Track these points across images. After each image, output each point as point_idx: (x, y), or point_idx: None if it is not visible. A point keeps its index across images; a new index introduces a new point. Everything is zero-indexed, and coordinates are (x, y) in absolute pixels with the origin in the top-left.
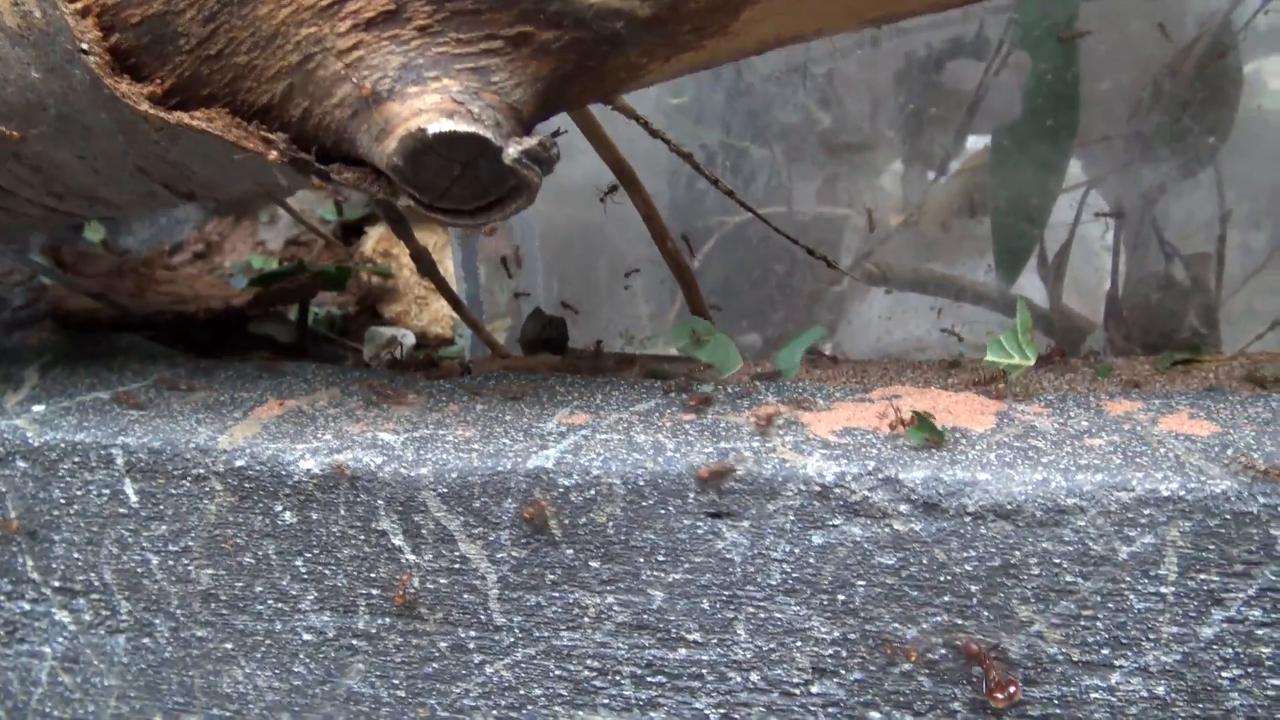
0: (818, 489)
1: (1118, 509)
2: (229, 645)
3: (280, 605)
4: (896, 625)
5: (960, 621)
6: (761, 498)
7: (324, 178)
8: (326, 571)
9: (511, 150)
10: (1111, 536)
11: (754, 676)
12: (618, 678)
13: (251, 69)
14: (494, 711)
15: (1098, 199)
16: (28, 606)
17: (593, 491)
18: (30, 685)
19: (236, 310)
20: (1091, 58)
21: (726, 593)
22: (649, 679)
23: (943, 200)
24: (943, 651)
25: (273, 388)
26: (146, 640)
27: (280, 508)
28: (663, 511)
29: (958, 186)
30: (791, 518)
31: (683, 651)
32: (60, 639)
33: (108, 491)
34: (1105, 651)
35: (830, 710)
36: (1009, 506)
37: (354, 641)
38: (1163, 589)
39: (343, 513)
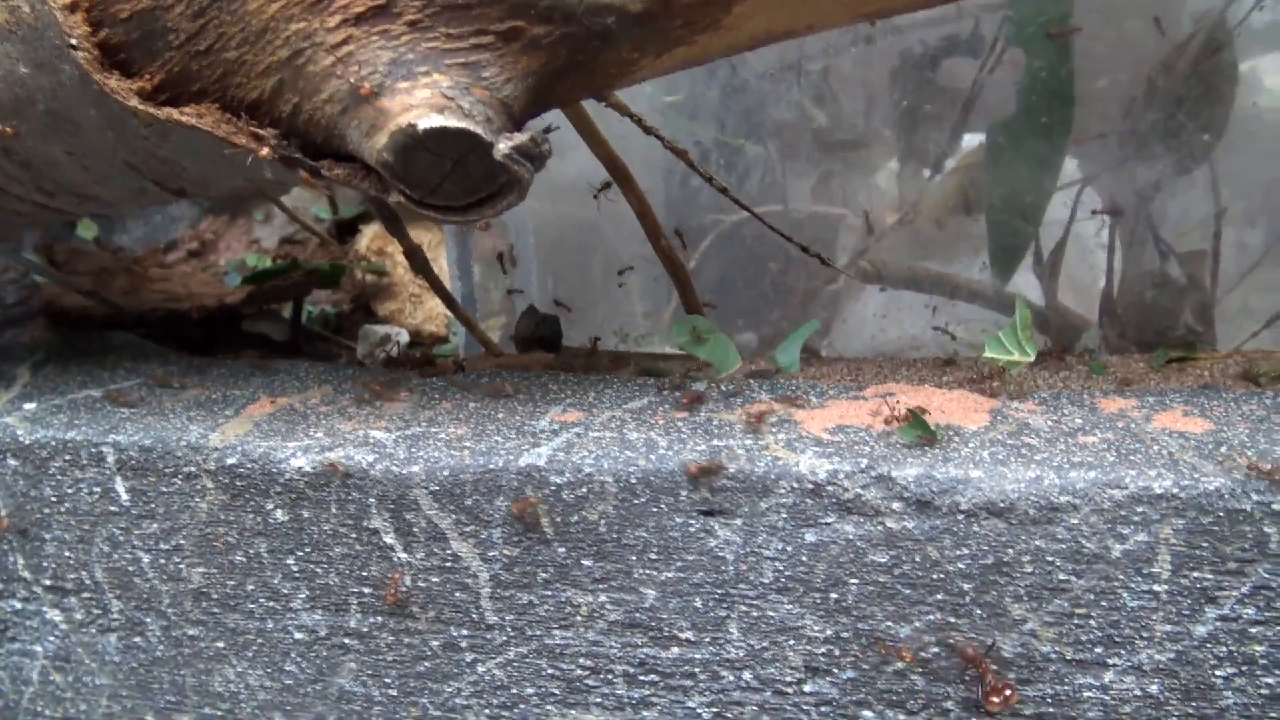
0: (810, 487)
1: (1111, 507)
2: (221, 644)
3: (272, 604)
4: (889, 624)
5: (953, 620)
6: (754, 495)
7: (314, 174)
8: (318, 570)
9: (502, 146)
10: (1105, 534)
11: (747, 675)
12: (610, 676)
13: (241, 64)
14: (486, 710)
15: (1094, 197)
16: (19, 605)
17: (585, 489)
18: (21, 684)
19: (230, 308)
20: (1087, 55)
21: (719, 591)
22: (641, 678)
23: (938, 198)
24: (936, 650)
25: (265, 385)
26: (138, 639)
27: (272, 506)
28: (655, 509)
29: (953, 184)
30: (784, 515)
31: (675, 650)
32: (52, 638)
33: (99, 489)
34: (1099, 650)
35: (823, 709)
36: (1002, 504)
37: (346, 640)
38: (1156, 587)
39: (334, 511)
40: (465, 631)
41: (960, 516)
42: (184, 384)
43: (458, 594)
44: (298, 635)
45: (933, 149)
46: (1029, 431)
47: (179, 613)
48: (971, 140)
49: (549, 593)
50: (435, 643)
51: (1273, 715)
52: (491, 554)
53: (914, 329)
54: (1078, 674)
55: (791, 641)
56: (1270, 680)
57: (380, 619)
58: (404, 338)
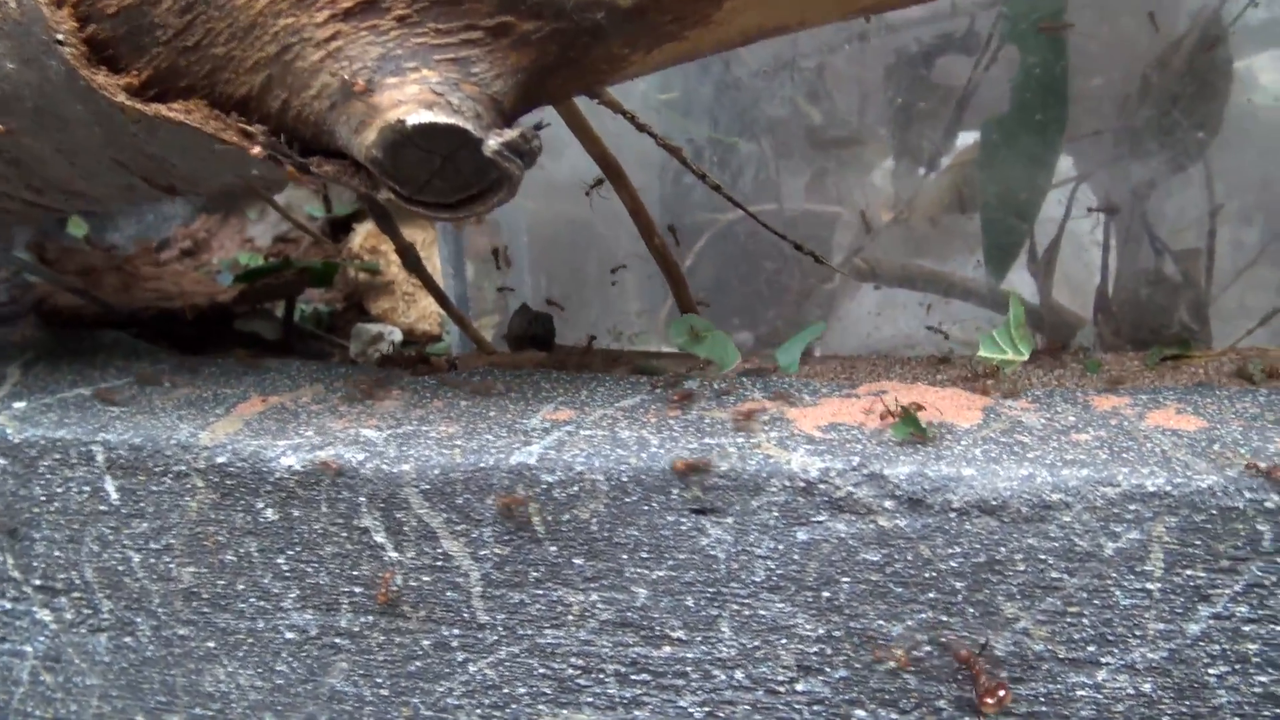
0: (802, 485)
1: (1103, 505)
2: (211, 644)
3: (262, 603)
4: (881, 622)
5: (945, 619)
6: (746, 494)
7: (303, 170)
8: (309, 569)
9: (492, 142)
10: (1097, 532)
11: (739, 674)
12: (602, 676)
13: (229, 60)
14: (478, 710)
15: (1089, 194)
16: (9, 605)
17: (576, 488)
18: (11, 685)
19: (222, 307)
20: (1081, 52)
21: (711, 590)
22: (633, 677)
23: (933, 196)
24: (928, 649)
25: (256, 384)
26: (128, 639)
27: (262, 505)
28: (646, 508)
29: (947, 182)
30: (776, 514)
31: (667, 649)
32: (42, 638)
33: (88, 489)
34: (1091, 648)
35: (815, 708)
36: (994, 502)
37: (337, 640)
38: (1149, 585)
39: (324, 510)
40: (456, 631)
41: (952, 514)
42: (175, 382)
43: (449, 593)
44: (288, 635)
45: (927, 146)
46: (1022, 429)
47: (169, 612)
48: (967, 138)
49: (540, 592)
50: (426, 642)
51: (1266, 714)
52: (482, 553)
53: (908, 327)
54: (1070, 673)
55: (784, 640)
56: (1263, 679)
57: (371, 618)
58: (397, 336)
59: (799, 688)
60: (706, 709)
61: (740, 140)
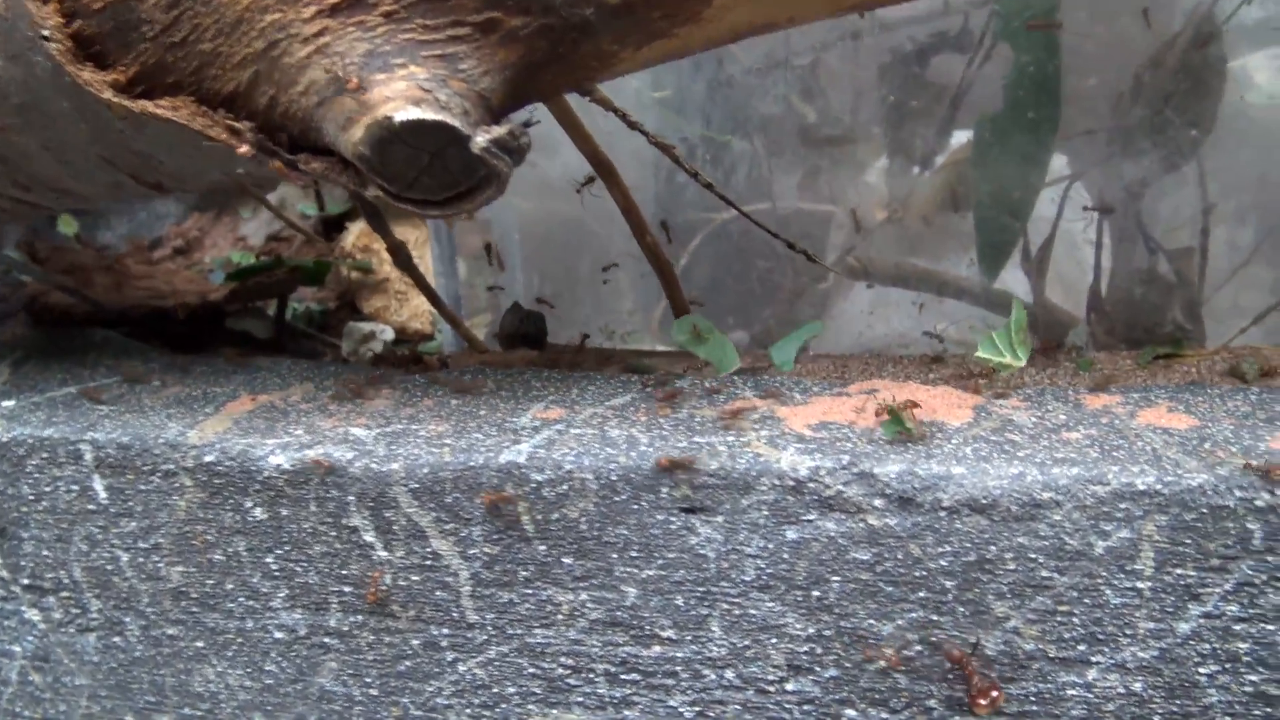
0: (792, 484)
1: (1094, 503)
2: (200, 644)
3: (251, 603)
4: (871, 621)
5: (936, 618)
6: (735, 492)
7: (291, 167)
8: (298, 569)
9: (480, 139)
10: (1088, 531)
11: (729, 674)
12: (592, 675)
13: (216, 56)
14: (467, 710)
15: (1084, 194)
16: None
17: (565, 487)
18: (0, 685)
19: (214, 306)
20: (1074, 50)
21: (700, 589)
22: (623, 677)
23: (927, 195)
24: (919, 648)
25: (246, 383)
26: (117, 639)
27: (250, 504)
28: (635, 507)
29: (941, 181)
30: (765, 513)
31: (657, 649)
32: (30, 638)
33: (76, 488)
34: (1082, 648)
35: (806, 708)
36: (984, 501)
37: (326, 639)
38: (1139, 584)
39: (313, 509)
40: (446, 630)
41: (942, 513)
42: (164, 381)
43: (438, 592)
44: (278, 634)
45: (920, 145)
46: (1013, 428)
47: (158, 612)
48: (961, 137)
49: (530, 591)
50: (416, 642)
51: (1256, 713)
52: (472, 552)
53: (902, 326)
54: (1061, 672)
55: (774, 640)
56: (1254, 678)
57: (360, 618)
58: (388, 335)
59: (789, 687)
60: (697, 709)
61: (733, 138)
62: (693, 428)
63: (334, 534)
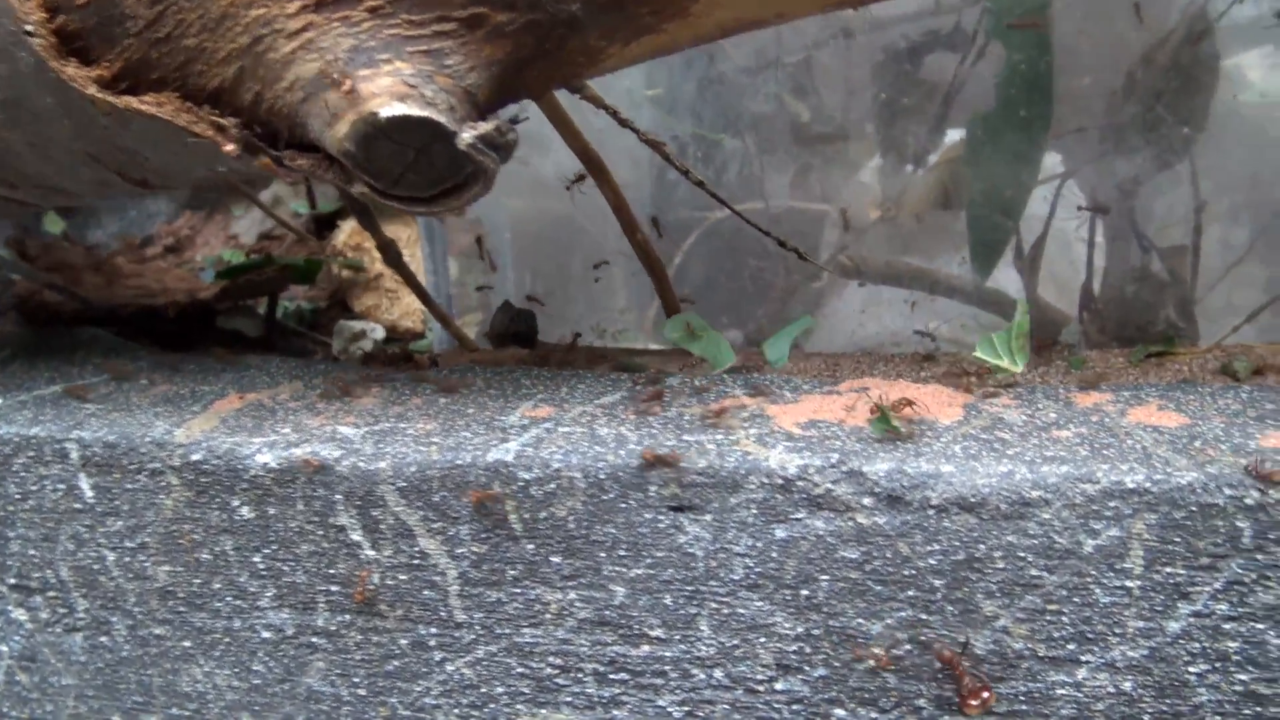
0: (780, 482)
1: (1083, 501)
2: (187, 643)
3: (239, 602)
4: (860, 620)
5: (925, 617)
6: (724, 491)
7: (277, 164)
8: (285, 568)
9: (466, 135)
10: (1077, 529)
11: (718, 673)
12: (580, 675)
13: (201, 52)
14: (456, 710)
15: (1077, 192)
16: None
17: (553, 485)
18: None
19: (204, 304)
20: (1067, 48)
21: (689, 588)
22: (612, 676)
23: (920, 193)
24: (908, 647)
25: (235, 381)
26: (104, 639)
27: (237, 502)
28: (624, 505)
29: (934, 179)
30: (754, 511)
31: (645, 648)
32: (17, 637)
33: (63, 486)
34: (1071, 647)
35: (795, 707)
36: (973, 499)
37: (314, 639)
38: (1128, 583)
39: (300, 508)
40: (434, 630)
41: (931, 512)
42: (152, 380)
43: (426, 592)
44: (265, 634)
45: (912, 143)
46: (1003, 426)
47: (145, 611)
48: (955, 135)
49: (518, 590)
50: (404, 641)
51: (1246, 713)
52: (459, 551)
53: (894, 324)
54: (1051, 671)
55: (763, 639)
56: (1244, 677)
57: (348, 617)
58: (379, 333)
59: (778, 687)
60: (686, 708)
61: (725, 136)
62: (681, 426)
63: (321, 533)
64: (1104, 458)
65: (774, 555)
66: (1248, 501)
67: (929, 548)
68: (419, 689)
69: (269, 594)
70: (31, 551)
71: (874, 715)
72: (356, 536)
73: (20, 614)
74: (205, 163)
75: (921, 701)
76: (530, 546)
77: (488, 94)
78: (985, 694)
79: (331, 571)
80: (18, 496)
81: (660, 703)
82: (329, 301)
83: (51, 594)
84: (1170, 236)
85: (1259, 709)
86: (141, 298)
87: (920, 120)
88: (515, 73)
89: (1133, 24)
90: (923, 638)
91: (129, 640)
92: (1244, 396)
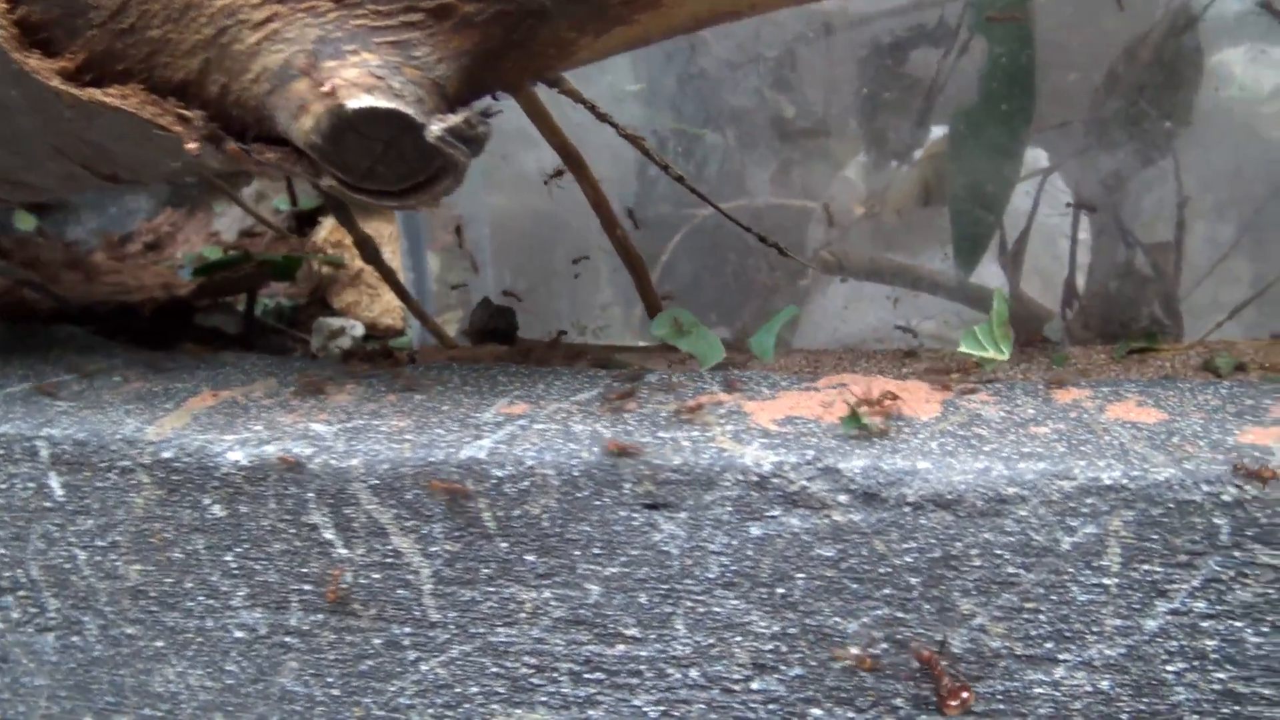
0: (755, 479)
1: (1059, 498)
2: (160, 643)
3: (211, 602)
4: (837, 619)
5: (901, 615)
6: (698, 488)
7: (244, 157)
8: (257, 567)
9: (434, 127)
10: (1054, 526)
11: (693, 673)
12: (555, 675)
13: (166, 43)
14: (430, 710)
15: (1063, 187)
16: None
17: (527, 483)
18: None
19: (181, 301)
20: (1049, 42)
21: (664, 587)
22: (587, 676)
23: (904, 189)
24: (884, 646)
25: (209, 379)
26: (76, 638)
27: (209, 501)
28: (598, 503)
29: (918, 175)
30: (729, 509)
31: (621, 647)
32: None
33: (33, 485)
34: (1049, 645)
35: (771, 707)
36: (949, 496)
37: (287, 639)
38: (1106, 580)
39: (272, 506)
40: (408, 629)
41: (907, 509)
42: (126, 377)
43: (399, 590)
44: (238, 634)
45: (893, 138)
46: (980, 422)
47: (117, 611)
48: (939, 131)
49: (492, 589)
50: (377, 641)
51: (1224, 711)
52: (433, 549)
53: (877, 321)
54: (1028, 670)
55: (738, 638)
56: (1221, 675)
57: (321, 617)
58: (358, 330)
59: (754, 686)
60: (661, 708)
61: (706, 131)
62: (657, 422)
63: (293, 531)
64: (1081, 454)
65: (749, 553)
66: (1225, 498)
67: (905, 545)
68: (393, 689)
69: (241, 593)
70: (1, 550)
71: (850, 714)
72: (329, 535)
73: None
74: (173, 155)
75: (898, 700)
76: (504, 545)
77: (457, 86)
78: (965, 694)
79: (304, 570)
80: None
81: (636, 702)
82: (309, 299)
83: (22, 594)
84: (1155, 232)
85: (1237, 708)
86: (119, 295)
87: (904, 116)
88: (485, 64)
89: (1115, 18)
90: (899, 636)
91: (101, 640)
92: (1223, 392)
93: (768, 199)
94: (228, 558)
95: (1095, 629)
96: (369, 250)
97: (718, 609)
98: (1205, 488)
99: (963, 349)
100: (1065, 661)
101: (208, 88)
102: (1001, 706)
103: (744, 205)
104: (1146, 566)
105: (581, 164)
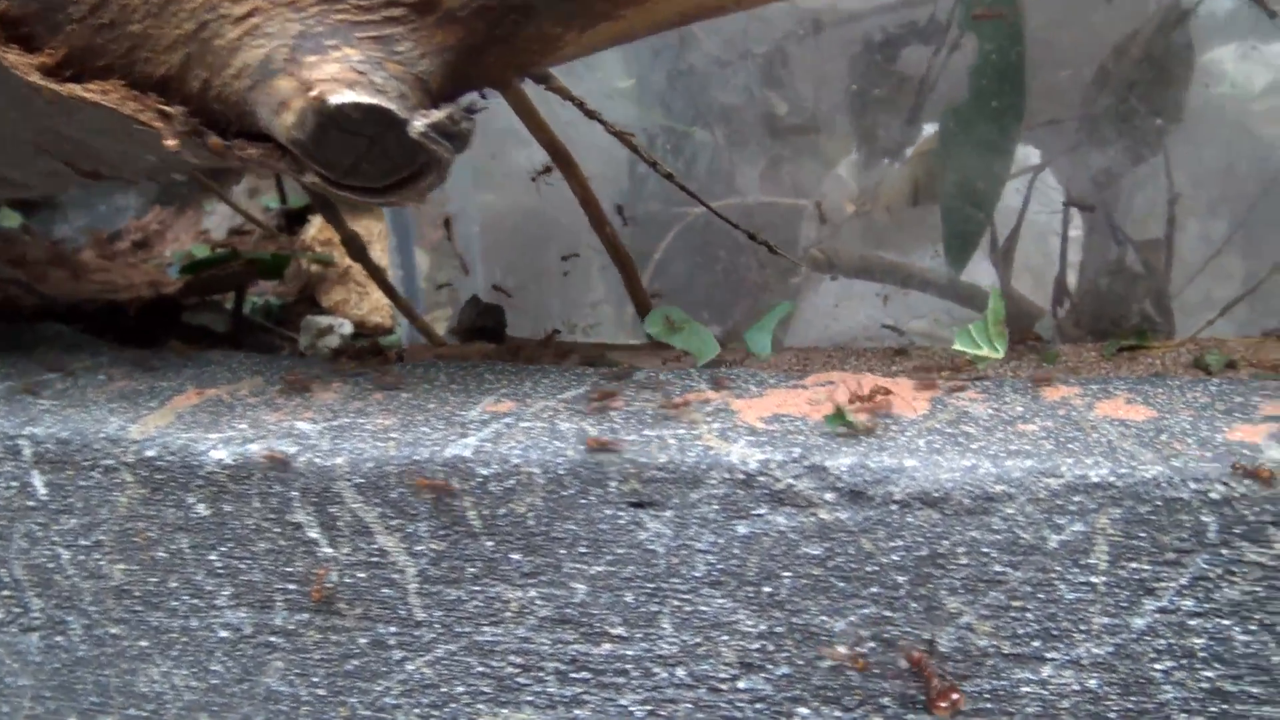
0: (742, 477)
1: (1047, 496)
2: (144, 643)
3: (195, 601)
4: (824, 618)
5: (888, 614)
6: (685, 486)
7: (225, 153)
8: (242, 566)
9: (418, 123)
10: (1041, 524)
11: (680, 672)
12: (541, 674)
13: (147, 38)
14: (416, 710)
15: (1054, 184)
16: None
17: (512, 481)
18: None
19: (168, 299)
20: (1039, 39)
21: (650, 585)
22: (573, 675)
23: (895, 187)
24: (871, 644)
25: (195, 377)
26: (60, 638)
27: (193, 500)
28: (584, 501)
29: (909, 173)
30: (715, 507)
31: (607, 646)
32: None
33: (16, 484)
34: (1036, 644)
35: (758, 706)
36: (936, 494)
37: (272, 638)
38: (1093, 578)
39: (257, 504)
40: (393, 629)
41: (894, 507)
42: (111, 375)
43: (385, 590)
44: (223, 634)
45: (884, 135)
46: (968, 420)
47: (101, 611)
48: (930, 128)
49: (478, 588)
50: (363, 640)
51: (1212, 710)
52: (418, 548)
53: (868, 319)
54: (1015, 668)
55: (725, 637)
56: (1209, 674)
57: (306, 616)
58: (347, 329)
59: (741, 685)
60: (648, 707)
61: (695, 128)
62: (644, 420)
63: (278, 530)
64: (1069, 451)
65: (736, 552)
66: (1213, 496)
67: (892, 543)
68: (379, 689)
69: (226, 593)
70: None
71: (838, 713)
72: (314, 534)
73: None
74: (154, 151)
75: (885, 700)
76: (490, 544)
77: (441, 82)
78: (954, 695)
79: (289, 570)
80: None
81: (622, 702)
82: (298, 297)
83: (6, 593)
84: (1146, 229)
85: (1225, 706)
86: (106, 293)
87: (895, 113)
88: (469, 60)
89: (1106, 15)
90: (887, 635)
91: (85, 640)
92: (1213, 390)
93: (758, 196)
94: (212, 557)
95: (1083, 627)
96: (355, 247)
97: (704, 608)
98: (1193, 485)
99: (957, 347)
100: (1053, 660)
101: (189, 83)
102: (989, 705)
103: (734, 203)
104: (1134, 564)
105: (570, 162)
